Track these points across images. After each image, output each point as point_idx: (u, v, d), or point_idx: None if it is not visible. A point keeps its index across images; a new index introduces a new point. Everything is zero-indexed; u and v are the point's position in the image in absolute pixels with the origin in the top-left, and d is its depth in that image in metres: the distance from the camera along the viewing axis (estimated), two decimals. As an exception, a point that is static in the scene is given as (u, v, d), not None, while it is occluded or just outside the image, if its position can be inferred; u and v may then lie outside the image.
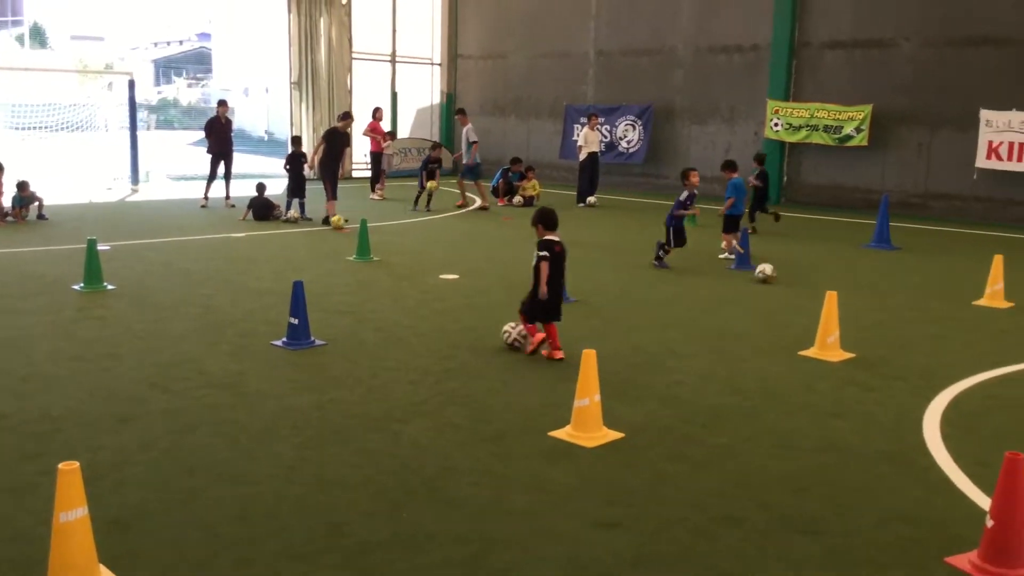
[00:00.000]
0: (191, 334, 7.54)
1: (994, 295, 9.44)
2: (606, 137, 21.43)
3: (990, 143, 16.33)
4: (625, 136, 21.56)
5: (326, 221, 14.21)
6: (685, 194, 11.07)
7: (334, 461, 4.88)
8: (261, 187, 15.37)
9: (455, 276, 10.37)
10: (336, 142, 14.64)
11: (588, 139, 18.64)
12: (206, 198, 16.62)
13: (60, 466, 3.33)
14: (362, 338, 7.55)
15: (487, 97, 25.15)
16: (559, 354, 6.97)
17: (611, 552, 3.89)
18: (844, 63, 18.34)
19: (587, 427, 5.27)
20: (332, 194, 14.45)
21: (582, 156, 18.68)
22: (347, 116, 15.19)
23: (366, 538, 3.98)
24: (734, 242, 11.54)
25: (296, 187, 14.96)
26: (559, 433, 5.31)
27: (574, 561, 3.82)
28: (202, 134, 17.52)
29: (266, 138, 45.14)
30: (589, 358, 5.23)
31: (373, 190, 19.09)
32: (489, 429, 5.43)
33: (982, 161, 16.45)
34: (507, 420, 5.60)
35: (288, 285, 7.45)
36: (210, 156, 16.71)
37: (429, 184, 16.60)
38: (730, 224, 11.83)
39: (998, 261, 9.50)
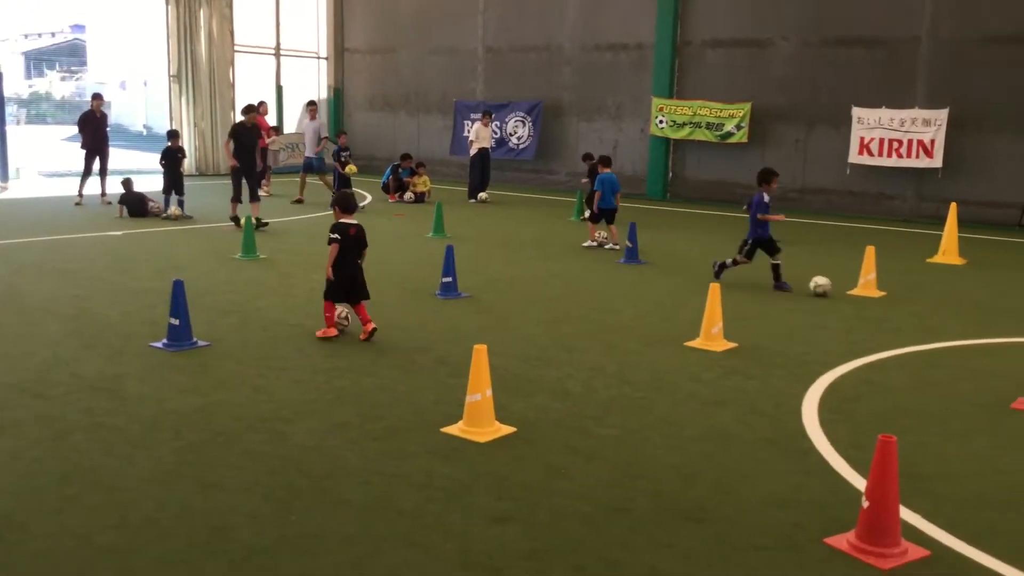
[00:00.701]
0: (65, 337, 7.19)
1: (867, 285, 9.88)
2: (496, 133, 21.50)
3: (862, 139, 17.11)
4: (515, 132, 21.67)
5: (234, 220, 13.35)
6: (767, 197, 10.46)
7: (218, 464, 4.73)
8: (128, 182, 14.81)
9: (345, 273, 10.20)
10: (243, 137, 13.44)
11: (479, 135, 18.73)
12: (81, 195, 15.92)
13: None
14: (247, 337, 7.35)
15: (376, 92, 24.89)
16: (369, 326, 7.28)
17: (503, 546, 3.89)
18: (724, 62, 18.89)
19: (479, 422, 5.26)
20: (252, 195, 13.44)
21: (473, 151, 18.76)
22: (250, 109, 13.91)
23: (251, 542, 3.87)
24: (610, 236, 12.00)
25: (173, 183, 14.46)
26: (451, 429, 5.28)
27: (466, 557, 3.80)
28: (76, 129, 16.76)
29: (145, 132, 43.57)
30: (480, 353, 5.22)
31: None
32: (379, 427, 5.36)
33: (854, 157, 17.22)
34: (398, 417, 5.54)
35: (168, 284, 7.19)
36: (85, 152, 16.01)
37: (348, 169, 16.90)
38: (601, 216, 12.56)
39: (870, 252, 9.95)
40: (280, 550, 3.81)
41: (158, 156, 14.95)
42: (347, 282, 7.31)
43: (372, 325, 7.29)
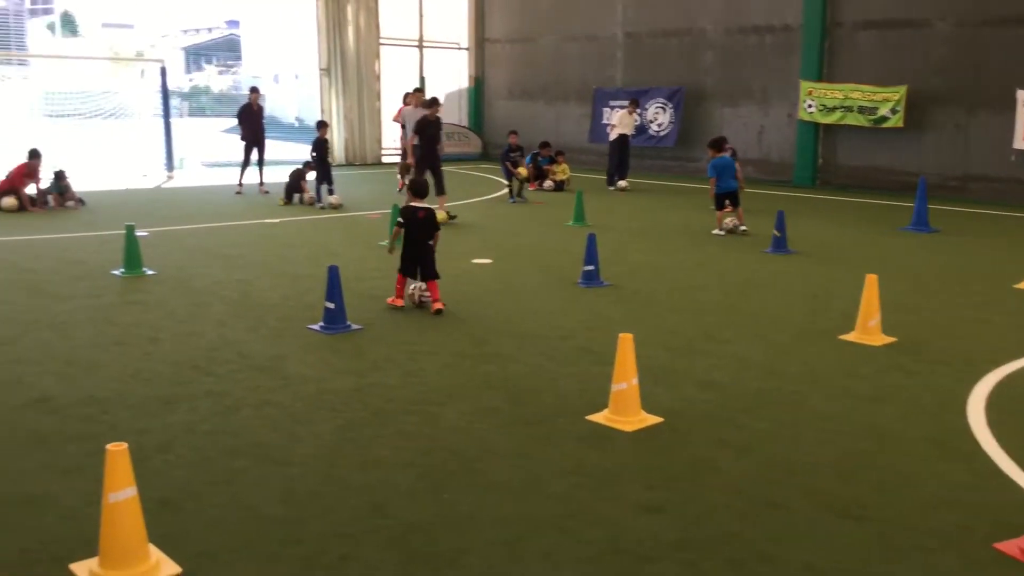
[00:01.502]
0: (230, 318, 7.60)
1: (1036, 278, 9.29)
2: (637, 120, 21.29)
3: (1029, 124, 16.03)
4: (655, 119, 21.42)
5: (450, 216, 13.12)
6: None
7: (374, 443, 4.91)
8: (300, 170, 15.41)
9: (488, 260, 10.38)
10: (429, 130, 13.19)
11: (622, 121, 18.49)
12: (240, 184, 16.74)
13: (108, 447, 3.37)
14: (396, 322, 7.58)
15: (515, 81, 25.09)
16: (437, 305, 7.86)
17: (653, 535, 3.89)
18: (877, 44, 18.07)
19: (625, 411, 5.25)
20: (439, 188, 13.22)
21: (612, 136, 18.58)
22: (434, 102, 13.39)
23: (409, 519, 4.01)
24: (738, 219, 12.28)
25: (323, 173, 14.94)
26: (597, 417, 5.30)
27: (615, 544, 3.81)
28: (234, 121, 17.61)
29: (296, 124, 45.34)
30: (626, 342, 5.21)
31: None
32: (526, 412, 5.43)
33: (1019, 142, 16.16)
34: (544, 404, 5.60)
35: (323, 270, 7.49)
36: (243, 143, 16.82)
37: (519, 170, 16.64)
38: (723, 201, 12.55)
39: (1040, 244, 9.34)
40: (436, 527, 3.92)
41: (309, 147, 15.51)
42: (415, 260, 7.97)
43: (439, 305, 7.87)
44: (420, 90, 17.86)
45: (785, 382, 6.09)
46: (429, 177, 12.50)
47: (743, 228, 12.41)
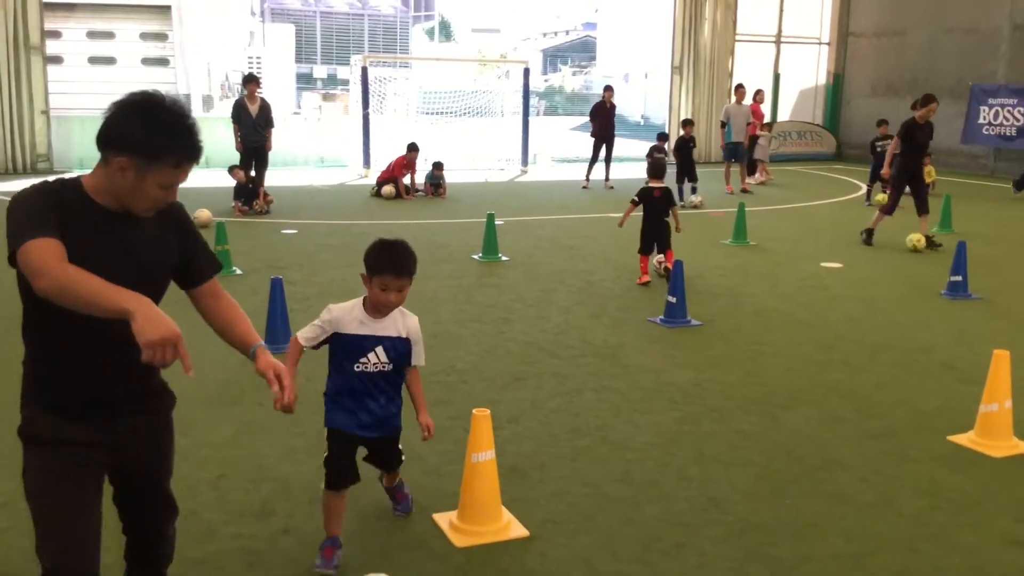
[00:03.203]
0: (575, 305, 7.93)
1: None
2: (1019, 120, 19.07)
3: None
4: (1044, 119, 19.03)
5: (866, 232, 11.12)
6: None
7: (712, 438, 4.89)
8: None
9: (838, 264, 9.88)
10: (917, 136, 10.86)
11: None
12: (588, 180, 17.34)
13: (474, 412, 3.68)
14: (738, 321, 7.46)
15: (879, 78, 23.50)
16: (644, 278, 8.66)
17: (1021, 571, 3.50)
18: None
19: (994, 435, 4.77)
20: (921, 206, 10.77)
21: None
22: (929, 100, 10.99)
23: (746, 517, 3.95)
24: None
25: (687, 171, 14.82)
26: (959, 438, 4.86)
27: (977, 574, 3.48)
28: (584, 119, 18.25)
29: (641, 123, 46.03)
30: (1001, 359, 4.72)
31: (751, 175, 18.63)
32: (877, 425, 5.12)
33: None
34: (897, 418, 5.24)
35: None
36: (593, 139, 17.39)
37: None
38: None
39: None
40: (776, 530, 3.83)
41: (651, 145, 15.52)
42: (654, 236, 8.71)
43: (646, 279, 8.65)
44: (741, 87, 17.42)
45: None
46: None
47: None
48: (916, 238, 10.54)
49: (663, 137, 17.42)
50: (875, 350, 6.63)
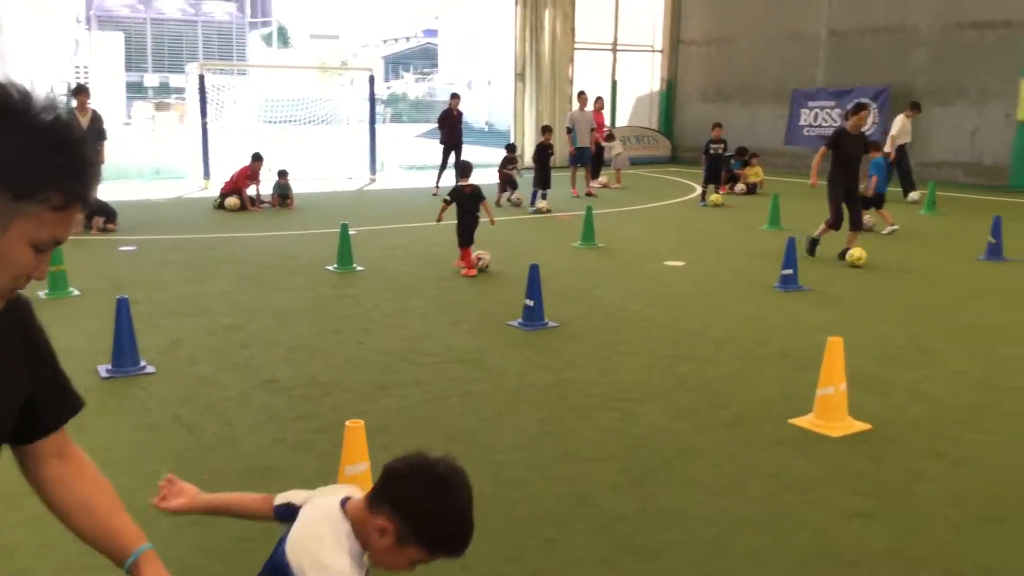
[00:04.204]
0: (433, 313, 7.98)
1: None
2: (838, 121, 20.48)
3: None
4: (857, 121, 20.52)
5: (842, 256, 10.30)
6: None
7: (575, 436, 5.05)
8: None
9: (680, 263, 10.34)
10: (845, 148, 10.25)
11: (903, 128, 16.32)
12: (437, 187, 17.41)
13: (347, 423, 3.68)
14: (592, 321, 7.71)
15: (709, 83, 24.72)
16: (470, 272, 9.36)
17: (862, 542, 3.81)
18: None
19: (831, 416, 5.15)
20: (854, 223, 10.29)
21: (889, 148, 15.76)
22: (860, 108, 10.41)
23: (612, 509, 4.11)
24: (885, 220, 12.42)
25: (543, 178, 15.06)
26: (800, 421, 5.22)
27: (823, 548, 3.77)
28: (429, 126, 18.36)
29: (486, 129, 46.54)
30: (835, 345, 5.11)
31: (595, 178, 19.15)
32: (726, 415, 5.42)
33: None
34: (743, 406, 5.56)
35: (517, 269, 7.74)
36: (442, 147, 17.49)
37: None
38: (876, 201, 12.48)
39: None
40: (640, 520, 4.01)
41: (499, 150, 15.80)
42: (469, 230, 9.44)
43: (473, 272, 9.34)
44: (583, 94, 18.13)
45: (1005, 396, 5.75)
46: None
47: (893, 228, 12.38)
48: (857, 254, 10.07)
49: (512, 148, 17.64)
50: (719, 343, 7.00)
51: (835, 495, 4.27)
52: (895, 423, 5.24)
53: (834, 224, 10.45)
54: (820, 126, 21.25)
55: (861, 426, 5.12)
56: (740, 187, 17.81)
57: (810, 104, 21.36)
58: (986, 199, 16.39)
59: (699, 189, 16.73)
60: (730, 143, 19.13)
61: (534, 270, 7.45)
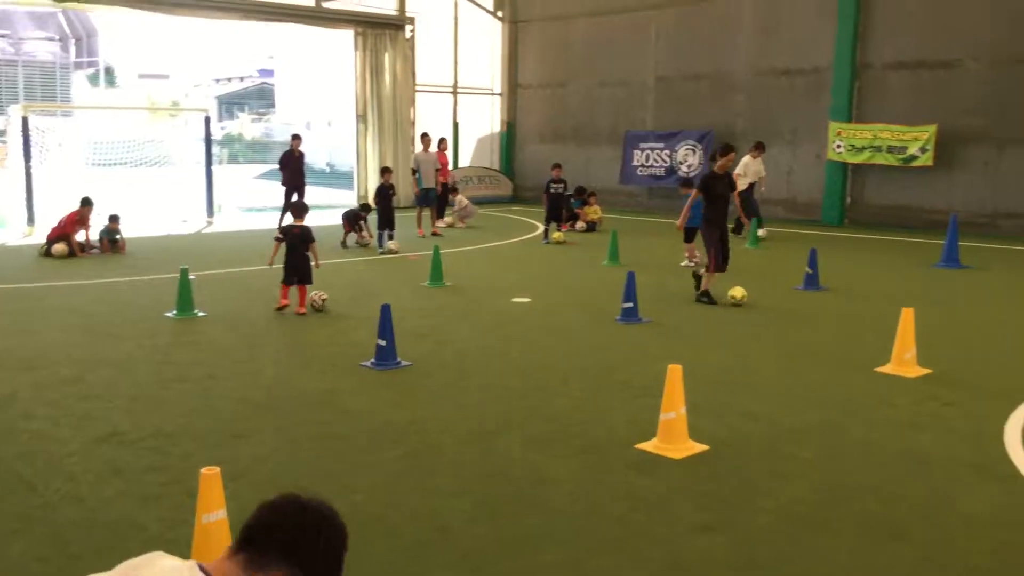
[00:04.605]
0: (284, 357, 7.89)
1: (1071, 312, 9.39)
2: (666, 162, 21.59)
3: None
4: (685, 160, 21.71)
5: (704, 294, 10.42)
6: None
7: (434, 472, 5.14)
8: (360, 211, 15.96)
9: (527, 299, 10.63)
10: (715, 189, 10.33)
11: (748, 168, 16.81)
12: (280, 229, 17.14)
13: (203, 471, 3.63)
14: (444, 359, 7.83)
15: (546, 125, 25.52)
16: (301, 310, 9.62)
17: (710, 555, 4.08)
18: (908, 84, 18.30)
19: (673, 439, 5.46)
20: (714, 262, 10.33)
21: (741, 187, 15.50)
22: (727, 149, 10.52)
23: (471, 543, 4.22)
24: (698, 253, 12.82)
25: (386, 219, 15.22)
26: (646, 445, 5.50)
27: (676, 563, 4.00)
28: (268, 167, 18.12)
29: (328, 170, 46.11)
30: (675, 372, 5.43)
31: (442, 217, 19.31)
32: (578, 443, 5.64)
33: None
34: (593, 434, 5.81)
35: (366, 310, 7.81)
36: (284, 188, 17.27)
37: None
38: (689, 235, 12.88)
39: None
40: (499, 549, 4.14)
41: (341, 191, 15.77)
42: (295, 269, 9.72)
43: (303, 309, 9.62)
44: (427, 135, 18.44)
45: (826, 412, 6.26)
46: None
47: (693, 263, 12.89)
48: (739, 293, 10.21)
49: (366, 208, 17.29)
50: (566, 375, 7.27)
51: (682, 513, 4.54)
52: (730, 443, 5.61)
53: (720, 266, 10.37)
54: (652, 166, 22.34)
55: (701, 447, 5.45)
56: (580, 225, 18.43)
57: (641, 145, 22.42)
58: (803, 233, 17.66)
59: (542, 227, 17.21)
60: (568, 183, 19.81)
61: (386, 310, 7.51)
